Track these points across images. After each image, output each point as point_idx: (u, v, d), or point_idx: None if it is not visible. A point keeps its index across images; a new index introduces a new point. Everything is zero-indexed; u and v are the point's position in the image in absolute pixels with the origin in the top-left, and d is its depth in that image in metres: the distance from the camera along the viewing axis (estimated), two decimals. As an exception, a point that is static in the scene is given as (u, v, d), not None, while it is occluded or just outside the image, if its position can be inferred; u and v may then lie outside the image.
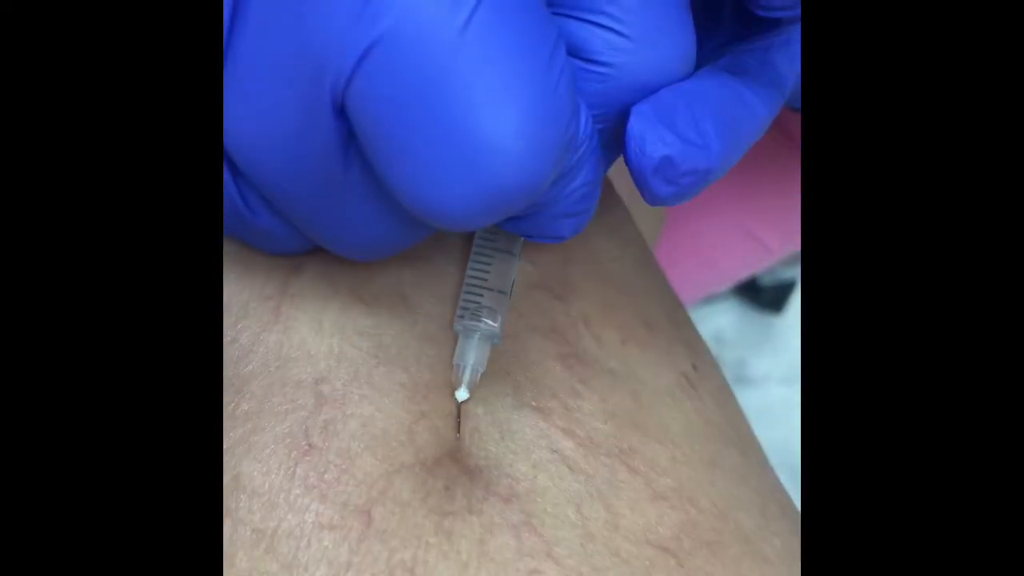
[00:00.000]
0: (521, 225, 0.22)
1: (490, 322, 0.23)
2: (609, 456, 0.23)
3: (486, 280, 0.24)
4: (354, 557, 0.20)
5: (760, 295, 0.85)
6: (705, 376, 0.28)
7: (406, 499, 0.21)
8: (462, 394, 0.23)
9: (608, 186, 0.30)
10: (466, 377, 0.23)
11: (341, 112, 0.18)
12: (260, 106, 0.19)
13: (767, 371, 0.79)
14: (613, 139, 0.21)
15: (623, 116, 0.21)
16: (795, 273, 0.85)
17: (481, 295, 0.24)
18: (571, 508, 0.22)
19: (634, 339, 0.26)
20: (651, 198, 0.21)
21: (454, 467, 0.22)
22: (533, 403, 0.23)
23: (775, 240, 0.59)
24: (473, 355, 0.23)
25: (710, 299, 0.75)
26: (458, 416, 0.23)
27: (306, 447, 0.21)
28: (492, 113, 0.17)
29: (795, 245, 0.61)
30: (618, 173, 0.25)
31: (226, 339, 0.23)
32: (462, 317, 0.23)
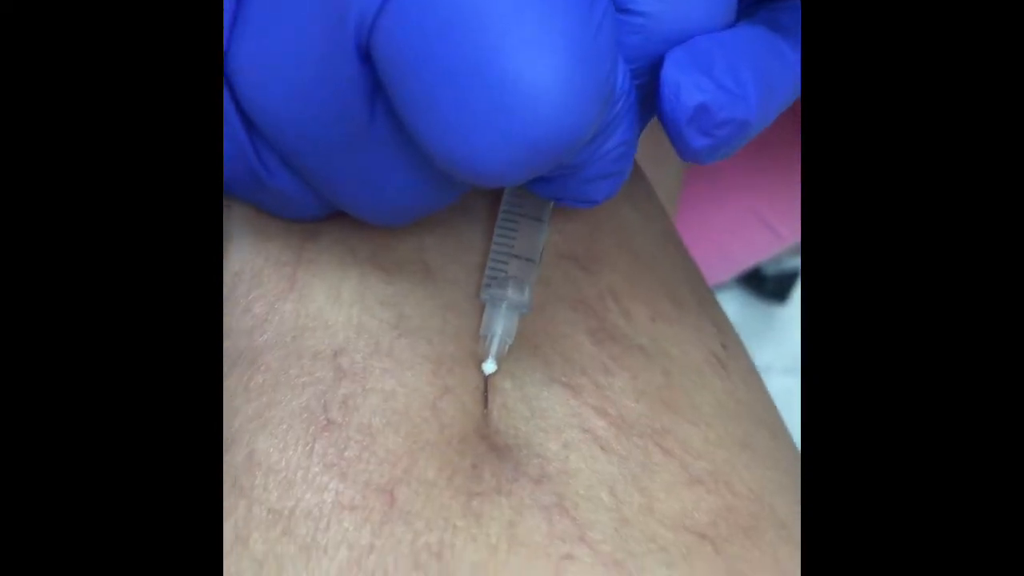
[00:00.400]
0: (552, 188, 0.21)
1: (518, 291, 0.22)
2: (642, 437, 0.21)
3: (513, 247, 0.22)
4: (376, 540, 0.18)
5: (764, 285, 0.83)
6: (734, 356, 0.26)
7: (431, 478, 0.19)
8: (489, 366, 0.21)
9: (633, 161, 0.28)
10: (494, 348, 0.21)
11: (366, 57, 0.17)
12: (278, 52, 0.17)
13: (770, 361, 0.77)
14: (649, 97, 0.20)
15: (659, 71, 0.19)
16: (799, 263, 0.84)
17: (508, 263, 0.22)
18: (604, 491, 0.20)
19: (663, 316, 0.24)
20: (685, 151, 0.19)
21: (481, 445, 0.20)
22: (563, 379, 0.22)
23: (786, 227, 0.57)
24: (501, 325, 0.21)
25: (714, 288, 0.73)
26: (485, 390, 0.21)
27: (324, 422, 0.20)
28: (529, 55, 0.15)
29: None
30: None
31: (239, 308, 0.21)
32: (489, 286, 0.22)
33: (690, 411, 0.23)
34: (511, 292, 0.22)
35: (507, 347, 0.21)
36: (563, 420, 0.21)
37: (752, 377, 0.27)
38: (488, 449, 0.20)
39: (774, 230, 0.59)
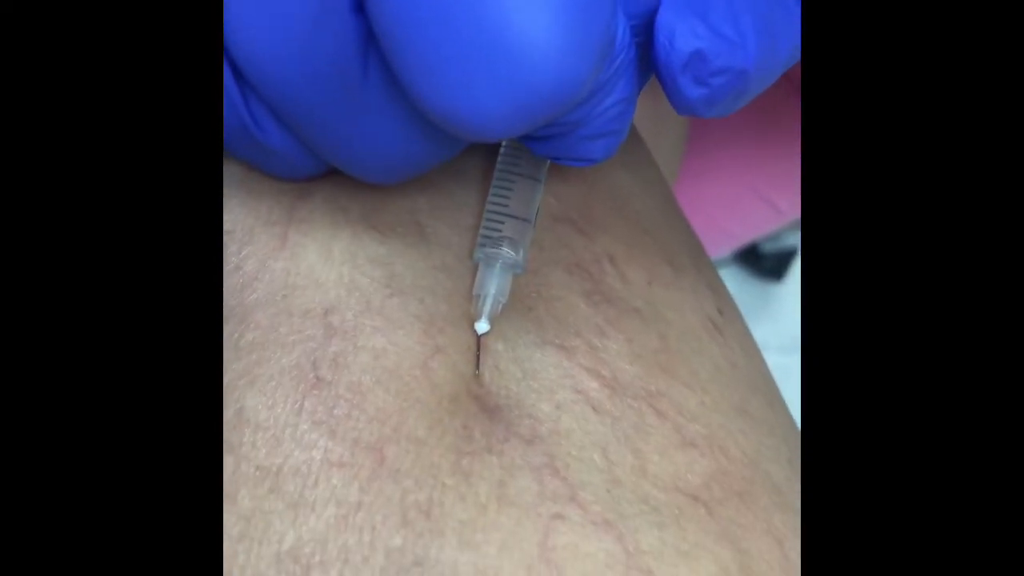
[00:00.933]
0: (548, 146, 0.20)
1: (512, 251, 0.21)
2: (636, 399, 0.21)
3: (508, 207, 0.22)
4: (365, 497, 0.17)
5: (761, 262, 0.83)
6: (730, 320, 0.25)
7: (421, 437, 0.19)
8: (482, 326, 0.20)
9: (631, 127, 0.27)
10: (487, 308, 0.20)
11: (359, 8, 0.16)
12: (270, 4, 0.16)
13: (765, 339, 0.77)
14: (648, 55, 0.19)
15: None
16: (797, 240, 0.83)
17: (503, 223, 0.21)
18: (596, 452, 0.20)
19: (659, 279, 0.24)
20: (679, 101, 0.18)
21: (473, 405, 0.20)
22: (556, 341, 0.21)
23: (785, 202, 0.57)
24: (494, 285, 0.21)
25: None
26: (478, 350, 0.20)
27: (314, 380, 0.19)
28: (528, 4, 0.15)
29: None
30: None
31: (229, 266, 0.21)
32: (483, 246, 0.21)
33: (686, 375, 0.22)
34: (505, 252, 0.21)
35: (500, 307, 0.21)
36: (556, 381, 0.20)
37: (748, 343, 0.26)
38: (479, 409, 0.20)
39: (774, 205, 0.58)
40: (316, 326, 0.20)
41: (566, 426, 0.20)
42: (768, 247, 0.80)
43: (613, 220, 0.24)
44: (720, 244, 0.65)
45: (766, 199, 0.58)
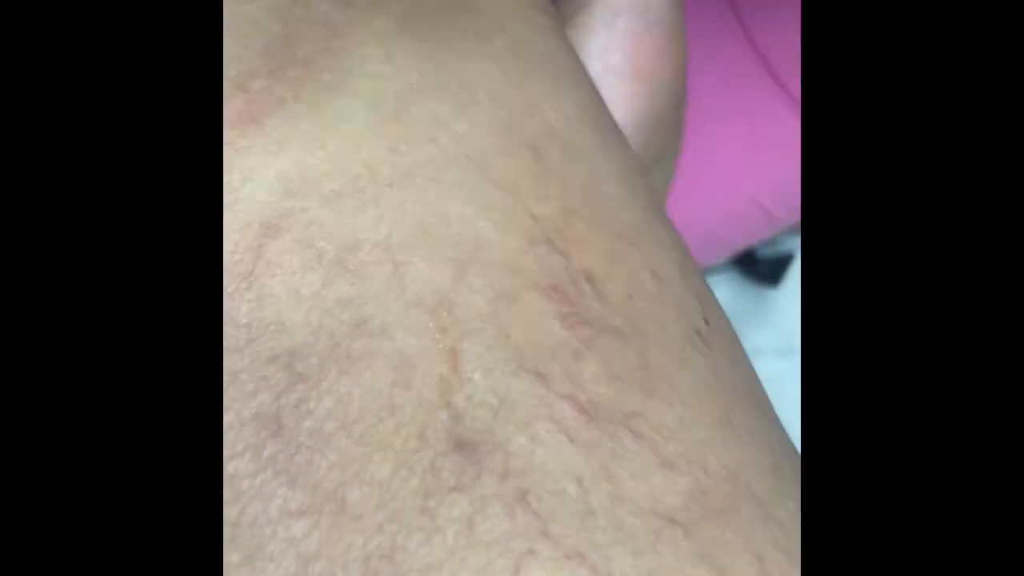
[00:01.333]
0: None
1: None
2: (612, 423, 0.20)
3: None
4: (324, 547, 0.17)
5: (757, 267, 0.82)
6: (717, 330, 0.25)
7: (385, 479, 0.18)
8: None
9: (620, 131, 0.27)
10: None
11: None
12: None
13: (761, 344, 0.76)
14: None
15: None
16: (793, 245, 0.83)
17: None
18: (571, 483, 0.19)
19: (641, 293, 0.23)
20: None
21: (442, 442, 0.19)
22: (533, 368, 0.20)
23: (780, 208, 0.56)
24: None
25: (706, 270, 0.72)
26: None
27: (276, 428, 0.18)
28: None
29: (799, 213, 0.59)
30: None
31: (190, 313, 0.20)
32: None
33: (665, 391, 0.21)
34: None
35: None
36: (531, 411, 0.20)
37: (736, 350, 0.25)
38: (449, 446, 0.19)
39: (767, 211, 0.57)
40: (280, 372, 0.19)
41: (540, 459, 0.19)
42: (764, 252, 0.80)
43: (594, 235, 0.24)
44: (714, 251, 0.65)
45: (760, 205, 0.57)
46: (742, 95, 0.52)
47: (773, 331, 0.77)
